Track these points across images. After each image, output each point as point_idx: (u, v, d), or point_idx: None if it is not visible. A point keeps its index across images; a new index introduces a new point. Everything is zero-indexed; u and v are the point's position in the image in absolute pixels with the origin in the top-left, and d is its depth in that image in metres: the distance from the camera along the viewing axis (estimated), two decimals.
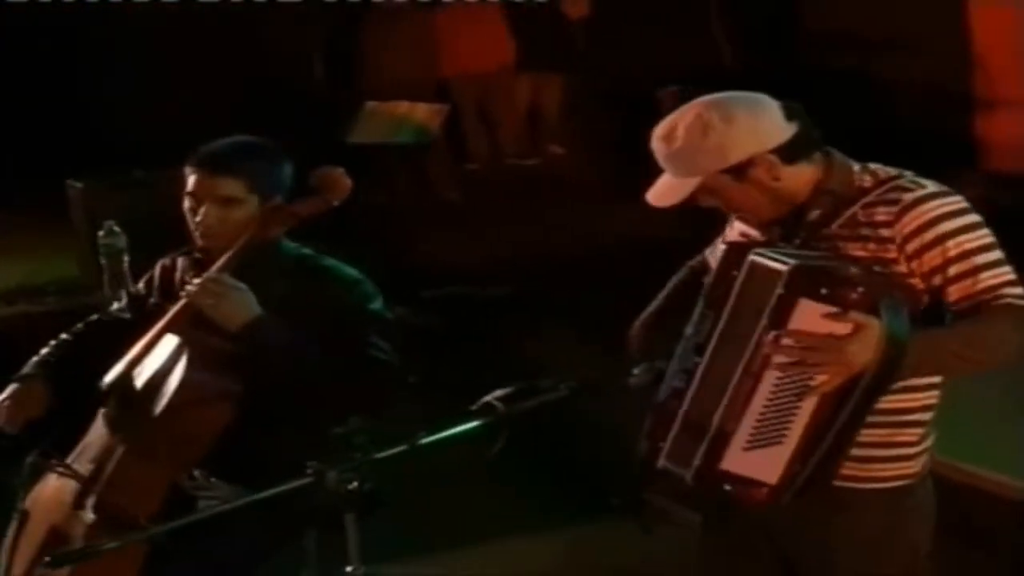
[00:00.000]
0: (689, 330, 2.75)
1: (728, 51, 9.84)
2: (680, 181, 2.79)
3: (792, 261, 2.60)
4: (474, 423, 2.75)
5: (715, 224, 3.18)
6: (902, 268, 2.68)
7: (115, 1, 8.62)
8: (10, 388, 3.49)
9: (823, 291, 2.56)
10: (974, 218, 2.68)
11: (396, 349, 3.35)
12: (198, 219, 3.36)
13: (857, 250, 2.71)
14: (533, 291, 6.78)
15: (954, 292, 2.65)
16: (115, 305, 3.79)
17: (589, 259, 7.58)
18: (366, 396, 3.31)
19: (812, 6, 9.75)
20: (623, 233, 7.80)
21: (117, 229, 5.90)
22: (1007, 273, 2.67)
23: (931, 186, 2.72)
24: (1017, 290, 2.65)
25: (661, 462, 2.77)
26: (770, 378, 2.61)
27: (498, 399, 2.80)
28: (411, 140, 7.88)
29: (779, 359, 2.58)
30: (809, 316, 2.56)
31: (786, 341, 2.56)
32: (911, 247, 2.67)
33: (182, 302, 3.32)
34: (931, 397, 2.80)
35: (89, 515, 3.22)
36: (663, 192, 2.84)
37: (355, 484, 2.68)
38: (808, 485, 2.66)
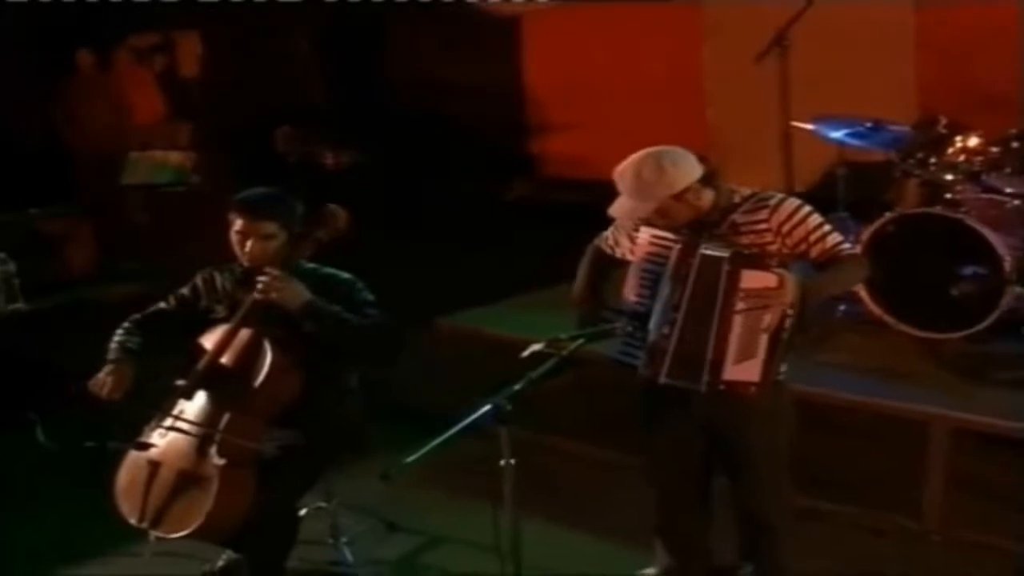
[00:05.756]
0: (663, 295, 3.57)
1: (320, 94, 11.19)
2: (641, 204, 3.53)
3: (728, 250, 3.49)
4: (555, 358, 3.52)
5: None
6: (776, 246, 3.57)
7: None
8: (109, 367, 4.09)
9: (754, 263, 3.48)
10: (810, 207, 3.63)
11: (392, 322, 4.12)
12: (246, 250, 4.08)
13: (742, 240, 3.58)
14: None
15: (815, 251, 3.59)
16: (162, 304, 4.36)
17: None
18: (382, 351, 4.10)
19: (396, 55, 10.99)
20: None
21: (7, 258, 7.64)
22: (837, 234, 3.63)
23: (778, 195, 3.66)
24: (847, 244, 3.65)
25: (662, 379, 3.59)
26: (739, 319, 3.49)
27: (555, 340, 3.59)
28: (173, 179, 9.39)
29: (742, 307, 3.48)
30: (749, 279, 3.47)
31: (743, 296, 3.46)
32: (784, 229, 3.58)
33: (254, 295, 4.01)
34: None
35: (218, 459, 3.92)
36: (627, 211, 3.59)
37: (510, 407, 3.35)
38: (773, 380, 3.56)
